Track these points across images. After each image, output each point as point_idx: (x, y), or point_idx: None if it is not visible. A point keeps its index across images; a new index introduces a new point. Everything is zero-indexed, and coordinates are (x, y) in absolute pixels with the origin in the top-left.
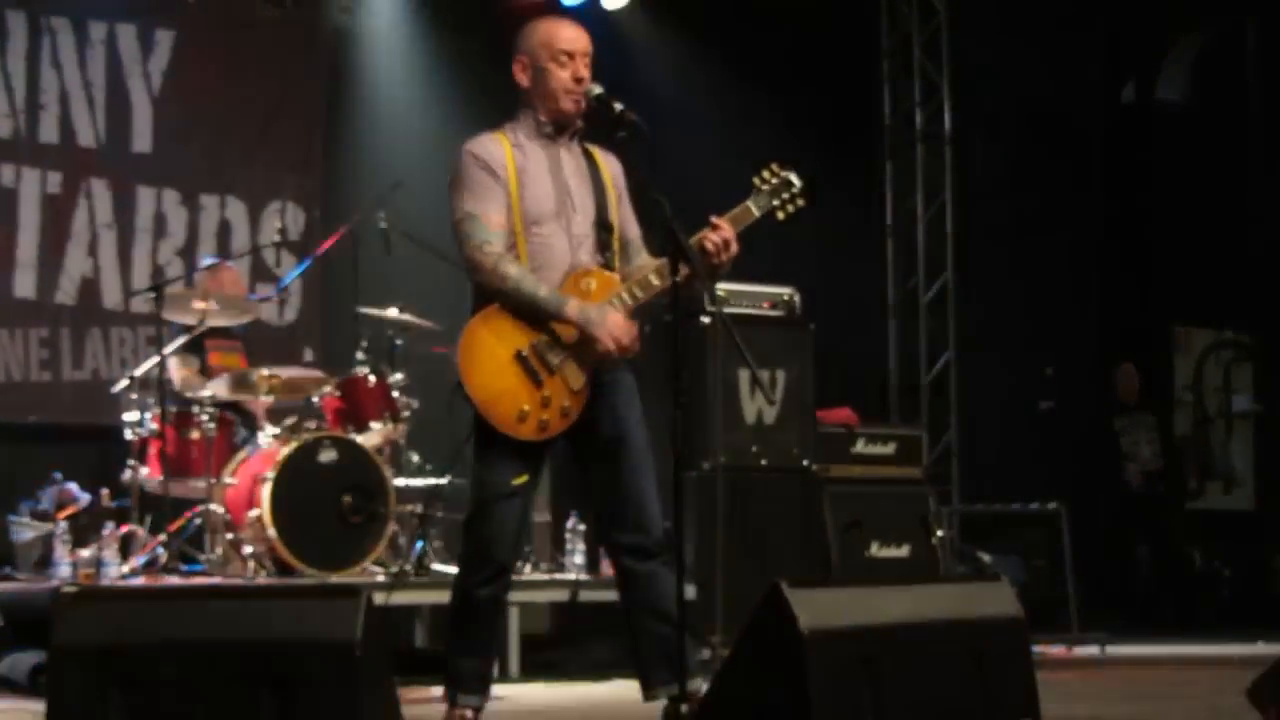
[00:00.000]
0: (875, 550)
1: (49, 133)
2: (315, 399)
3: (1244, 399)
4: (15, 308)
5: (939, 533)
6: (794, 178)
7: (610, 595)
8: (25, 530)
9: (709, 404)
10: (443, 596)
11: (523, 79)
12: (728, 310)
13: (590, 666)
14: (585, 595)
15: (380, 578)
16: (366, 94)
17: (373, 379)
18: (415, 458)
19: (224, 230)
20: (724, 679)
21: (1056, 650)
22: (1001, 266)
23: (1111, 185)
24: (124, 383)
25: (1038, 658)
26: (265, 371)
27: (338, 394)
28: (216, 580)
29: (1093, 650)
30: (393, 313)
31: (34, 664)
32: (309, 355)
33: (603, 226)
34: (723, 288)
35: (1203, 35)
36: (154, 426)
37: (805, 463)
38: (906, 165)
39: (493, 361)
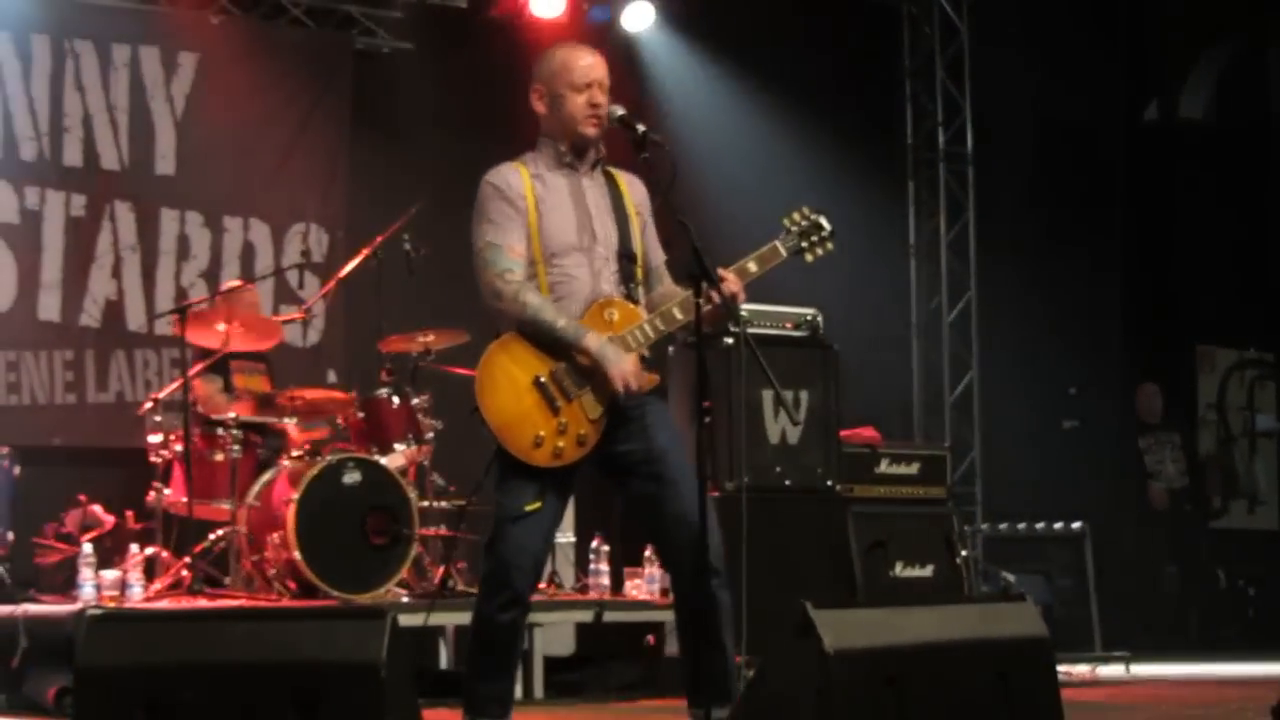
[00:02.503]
0: (899, 570)
1: (73, 156)
2: (339, 420)
3: (1268, 418)
4: (40, 330)
5: (963, 552)
6: (824, 221)
7: (634, 615)
8: (50, 553)
9: (733, 425)
10: (468, 618)
11: (540, 107)
12: (751, 331)
13: (615, 688)
14: (610, 616)
15: (405, 599)
16: (389, 115)
17: (396, 400)
18: (439, 479)
19: (247, 252)
20: (750, 700)
21: (1082, 670)
22: (1025, 285)
23: (1134, 204)
24: (148, 405)
25: (1063, 678)
26: (289, 393)
27: (361, 415)
28: (241, 602)
29: (1118, 670)
30: (418, 342)
31: (59, 686)
32: (332, 377)
33: (626, 256)
34: (746, 308)
35: (1225, 54)
36: (178, 448)
37: (829, 483)
38: (929, 184)
39: (511, 387)
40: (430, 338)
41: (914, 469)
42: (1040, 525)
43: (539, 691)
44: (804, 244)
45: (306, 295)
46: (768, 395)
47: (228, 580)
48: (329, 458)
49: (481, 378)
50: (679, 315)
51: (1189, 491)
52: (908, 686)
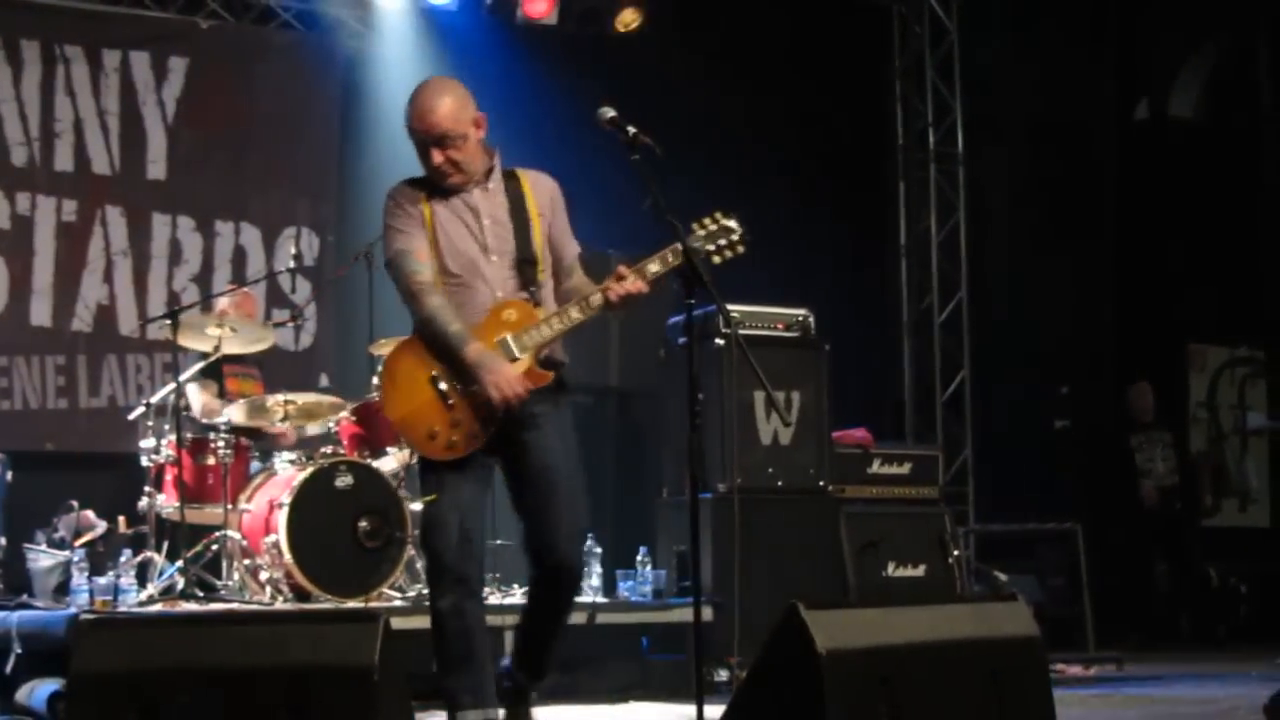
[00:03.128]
0: (892, 570)
1: (64, 161)
2: (332, 424)
3: (1259, 416)
4: (32, 335)
5: (955, 552)
6: (734, 224)
7: (627, 617)
8: (42, 558)
9: (724, 426)
10: None
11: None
12: (742, 332)
13: (608, 689)
14: (603, 617)
15: (397, 602)
16: (380, 118)
17: None
18: None
19: (239, 256)
20: (742, 700)
21: (1074, 669)
22: (1016, 285)
23: (1125, 203)
24: (140, 410)
25: (1055, 676)
26: (281, 397)
27: (354, 419)
28: (234, 606)
29: (1110, 668)
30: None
31: (52, 692)
32: (324, 380)
33: (525, 261)
34: (737, 309)
35: (1215, 53)
36: (170, 453)
37: (821, 483)
38: (920, 185)
39: (410, 383)
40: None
41: (906, 469)
42: (1032, 525)
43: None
44: (710, 246)
45: (298, 299)
46: (759, 396)
47: (220, 585)
48: (321, 461)
49: (384, 376)
50: (576, 315)
51: (1180, 490)
52: (900, 686)
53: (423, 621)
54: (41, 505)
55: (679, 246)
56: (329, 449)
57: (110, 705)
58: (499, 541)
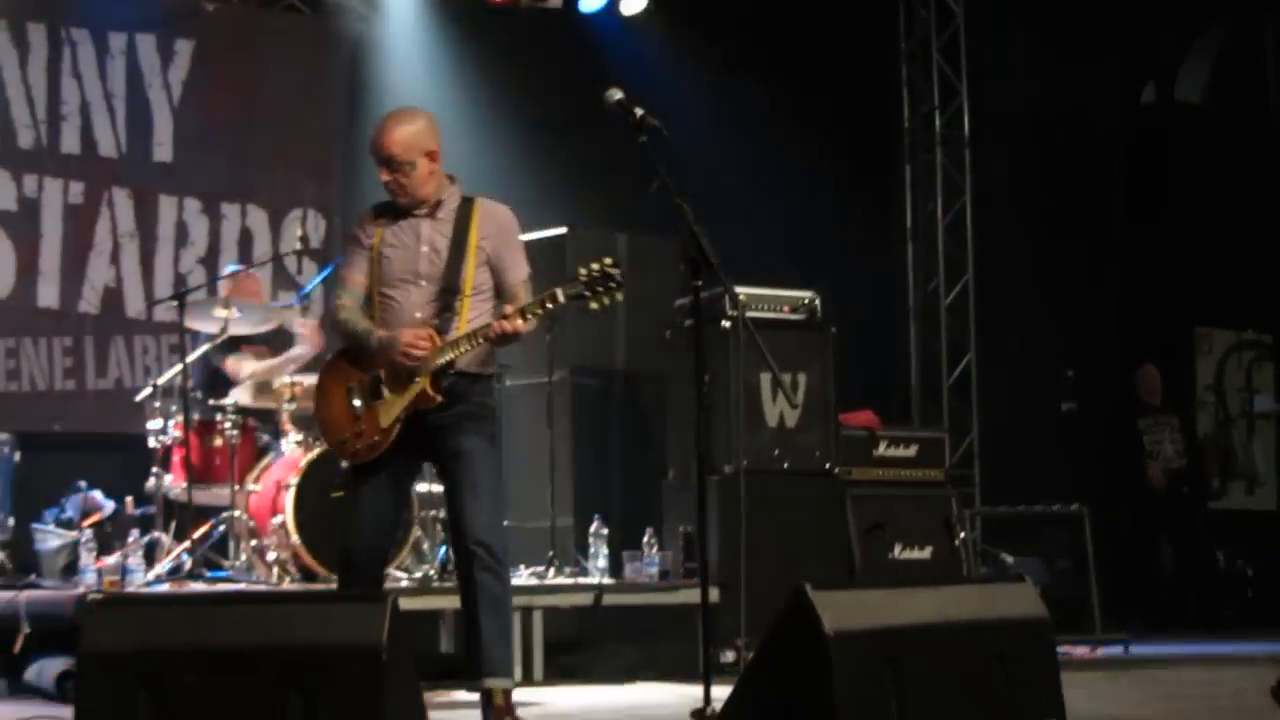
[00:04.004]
0: (898, 552)
1: (70, 143)
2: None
3: (1266, 399)
4: (39, 317)
5: (961, 534)
6: (614, 271)
7: (635, 599)
8: (50, 539)
9: (731, 408)
10: None
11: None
12: (749, 314)
13: (615, 670)
14: (609, 599)
15: (404, 583)
16: (386, 100)
17: None
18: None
19: (245, 238)
20: (749, 681)
21: (1080, 651)
22: (1022, 268)
23: (1131, 186)
24: (147, 391)
25: (1062, 659)
26: (289, 379)
27: None
28: (241, 586)
29: (1117, 651)
30: None
31: (61, 671)
32: None
33: (448, 290)
34: (744, 292)
35: (1222, 36)
36: (177, 434)
37: (827, 465)
38: (926, 168)
39: (331, 392)
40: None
41: (912, 451)
42: (1039, 507)
43: (539, 674)
44: (588, 292)
45: (304, 280)
46: (766, 378)
47: (228, 565)
48: None
49: (316, 386)
50: (465, 346)
51: (1187, 473)
52: (907, 667)
53: (430, 602)
54: (49, 486)
55: (557, 292)
56: None
57: (118, 684)
58: (505, 523)
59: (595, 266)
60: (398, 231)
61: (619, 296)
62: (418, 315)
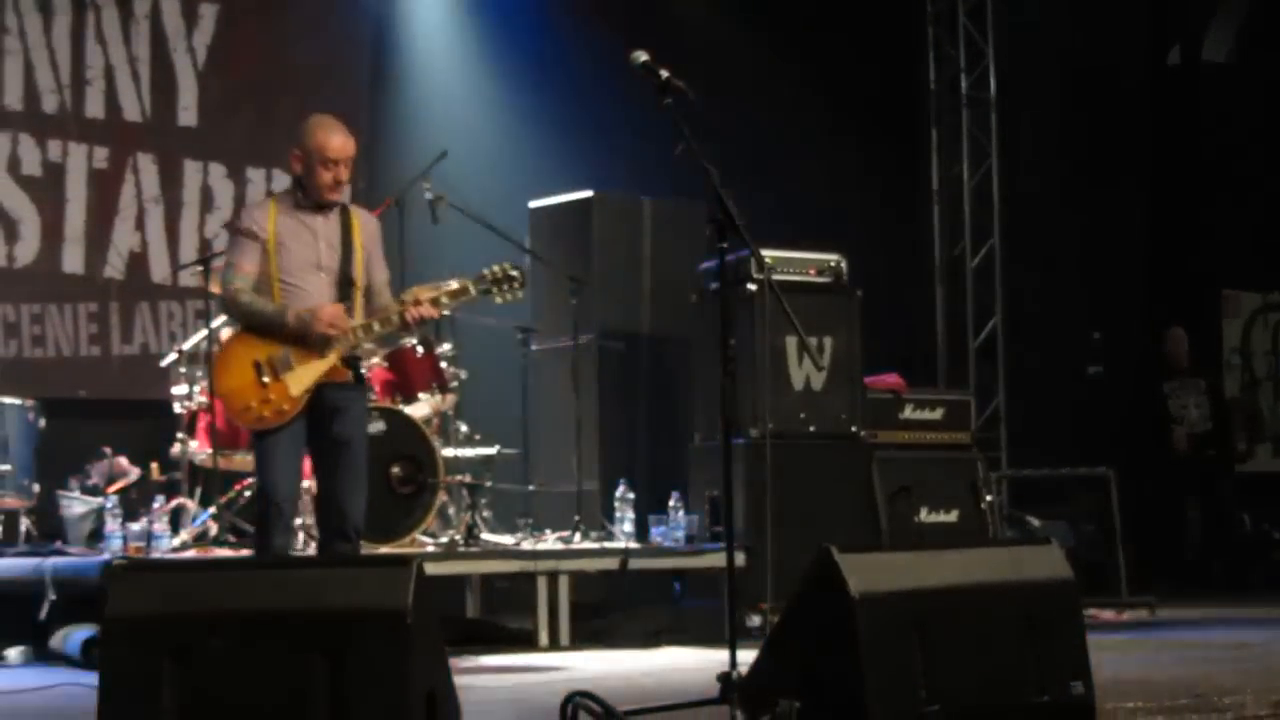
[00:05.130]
0: (924, 516)
1: (95, 108)
2: (364, 370)
3: None
4: (64, 283)
5: (988, 498)
6: (515, 273)
7: (659, 562)
8: (76, 505)
9: (757, 371)
10: (493, 566)
11: (296, 167)
12: (775, 277)
13: (641, 634)
14: (635, 563)
15: (430, 548)
16: (411, 63)
17: (421, 350)
18: (464, 428)
19: None
20: (775, 644)
21: (1106, 614)
22: (1048, 231)
23: (1158, 148)
24: (173, 356)
25: (1087, 621)
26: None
27: (386, 365)
28: None
29: (1142, 614)
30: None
31: (86, 637)
32: None
33: (345, 281)
34: (770, 254)
35: None
36: (203, 400)
37: (853, 429)
38: (952, 130)
39: (235, 365)
40: (454, 286)
41: (938, 414)
42: (1065, 470)
43: (565, 638)
44: (493, 289)
45: None
46: (792, 342)
47: (253, 530)
48: None
49: (216, 360)
50: (377, 329)
51: (1213, 436)
52: (933, 630)
53: (455, 567)
54: (74, 452)
55: (468, 285)
56: None
57: (144, 650)
58: (531, 488)
59: (498, 269)
60: (293, 225)
61: (520, 295)
62: (320, 301)
